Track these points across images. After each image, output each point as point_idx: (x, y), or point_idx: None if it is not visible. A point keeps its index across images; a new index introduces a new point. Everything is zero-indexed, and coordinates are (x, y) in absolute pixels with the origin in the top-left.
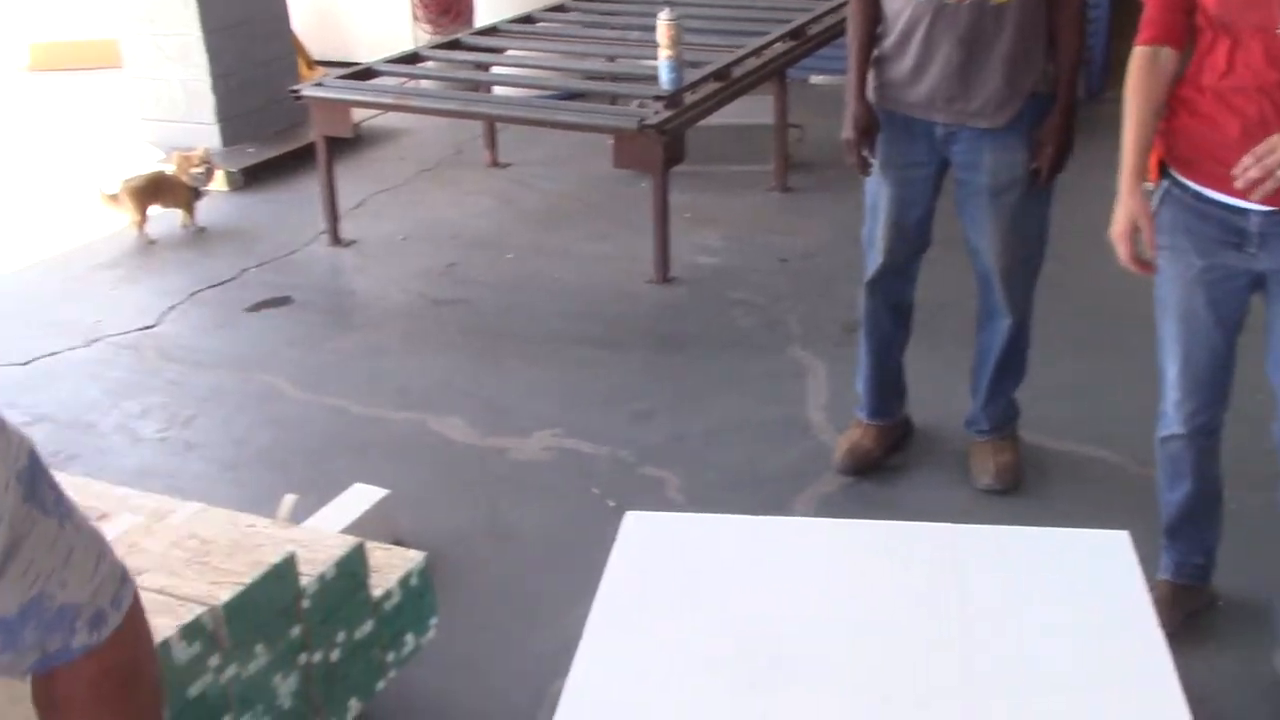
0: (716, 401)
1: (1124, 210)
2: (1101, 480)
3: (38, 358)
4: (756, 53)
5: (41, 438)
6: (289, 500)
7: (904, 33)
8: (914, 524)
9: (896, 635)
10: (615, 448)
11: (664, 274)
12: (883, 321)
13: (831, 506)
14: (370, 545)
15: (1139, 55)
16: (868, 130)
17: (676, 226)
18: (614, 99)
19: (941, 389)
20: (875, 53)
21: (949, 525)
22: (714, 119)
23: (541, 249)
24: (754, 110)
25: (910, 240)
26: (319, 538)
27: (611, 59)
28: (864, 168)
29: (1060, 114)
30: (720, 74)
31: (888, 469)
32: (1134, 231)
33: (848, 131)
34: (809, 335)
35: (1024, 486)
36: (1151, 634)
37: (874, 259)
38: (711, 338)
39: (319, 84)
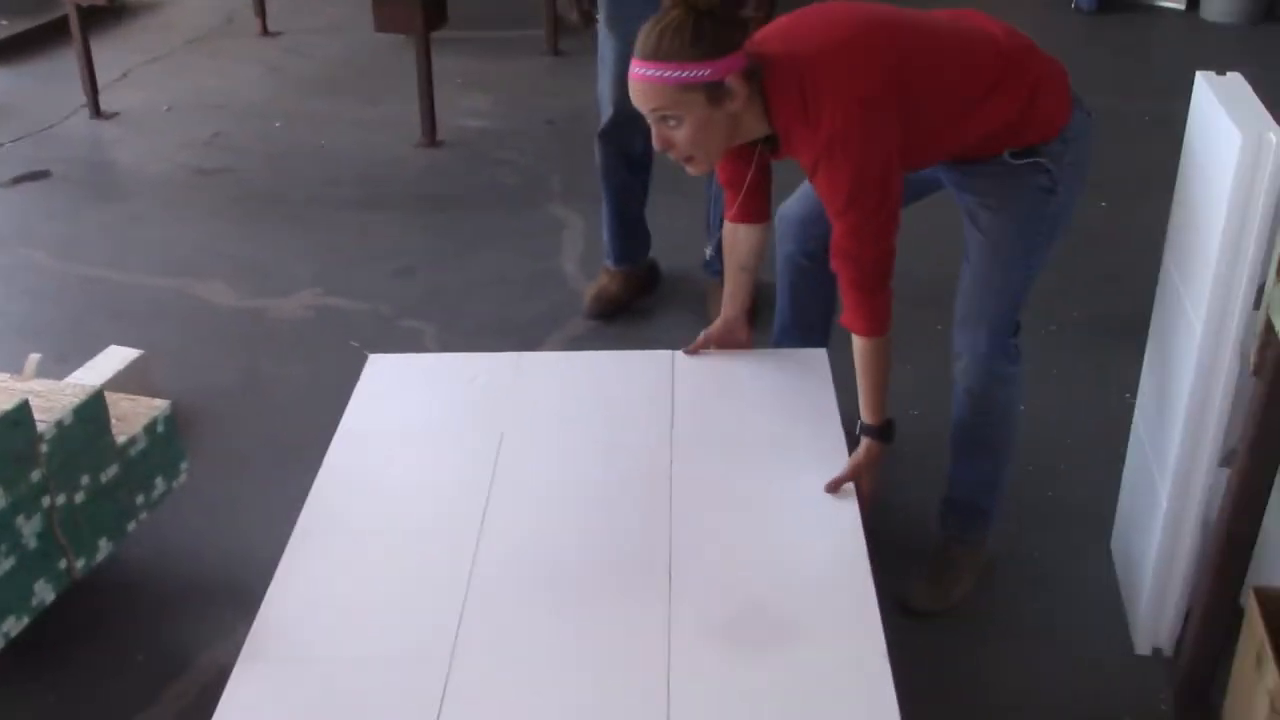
0: (476, 257)
1: None
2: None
3: None
4: None
5: None
6: (33, 359)
7: None
8: (633, 352)
9: (609, 450)
10: (375, 303)
11: (431, 137)
12: (618, 170)
13: (577, 347)
14: (116, 396)
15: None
16: None
17: (448, 91)
18: None
19: (692, 235)
20: None
21: (665, 351)
22: None
23: (311, 116)
24: None
25: None
26: (58, 388)
27: None
28: (587, 21)
29: None
30: None
31: (635, 311)
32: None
33: None
34: (569, 192)
35: (758, 319)
36: (832, 439)
37: (605, 110)
38: (474, 198)
39: None
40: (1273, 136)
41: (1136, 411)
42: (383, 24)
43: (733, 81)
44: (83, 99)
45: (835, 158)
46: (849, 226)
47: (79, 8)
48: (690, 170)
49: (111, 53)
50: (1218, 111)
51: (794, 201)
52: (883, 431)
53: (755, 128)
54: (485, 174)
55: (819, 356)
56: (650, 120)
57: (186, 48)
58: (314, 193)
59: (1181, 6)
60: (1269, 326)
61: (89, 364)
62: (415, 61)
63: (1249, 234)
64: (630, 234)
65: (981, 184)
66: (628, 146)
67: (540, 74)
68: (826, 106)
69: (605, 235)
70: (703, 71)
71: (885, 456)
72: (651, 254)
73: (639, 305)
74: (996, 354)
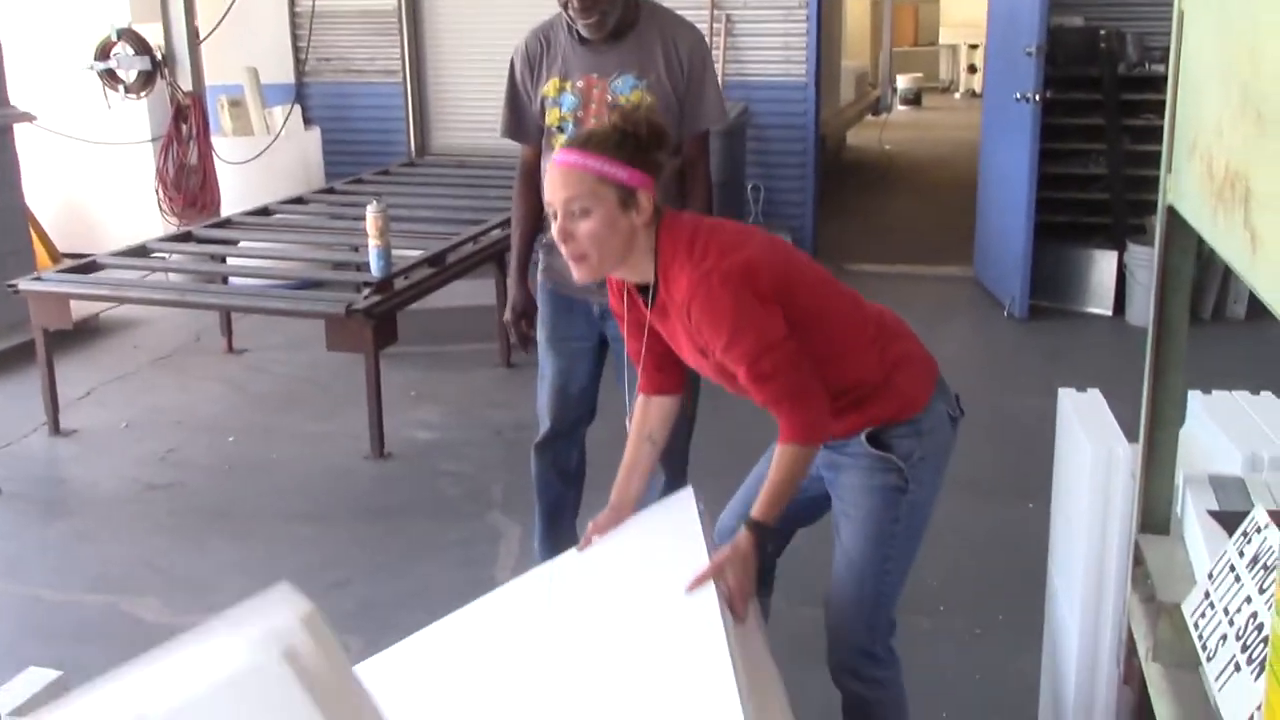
0: (412, 568)
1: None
2: None
3: None
4: (473, 239)
5: None
6: None
7: None
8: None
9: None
10: None
11: (380, 450)
12: (552, 483)
13: None
14: None
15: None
16: (524, 313)
17: (400, 403)
18: (357, 287)
19: None
20: (544, 238)
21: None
22: (443, 301)
23: (265, 430)
24: (481, 292)
25: (573, 408)
26: None
27: (356, 248)
28: (525, 343)
29: None
30: (434, 260)
31: None
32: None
33: (507, 314)
34: (509, 502)
35: None
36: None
37: (542, 424)
38: (416, 508)
39: (36, 277)
40: (1120, 450)
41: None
42: (335, 343)
43: (643, 195)
44: (43, 418)
45: (714, 290)
46: (745, 352)
47: (45, 331)
48: (577, 273)
49: (79, 372)
50: (1075, 426)
51: (726, 516)
52: (762, 530)
53: (643, 264)
54: (429, 485)
55: (686, 495)
56: (560, 212)
57: (152, 366)
58: (258, 506)
59: (1109, 312)
60: (1132, 635)
61: (5, 685)
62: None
63: (1110, 543)
64: (560, 544)
65: (844, 482)
66: (563, 460)
67: (491, 387)
68: (713, 253)
69: (536, 544)
70: (621, 173)
71: (754, 554)
72: None
73: None
74: (861, 660)
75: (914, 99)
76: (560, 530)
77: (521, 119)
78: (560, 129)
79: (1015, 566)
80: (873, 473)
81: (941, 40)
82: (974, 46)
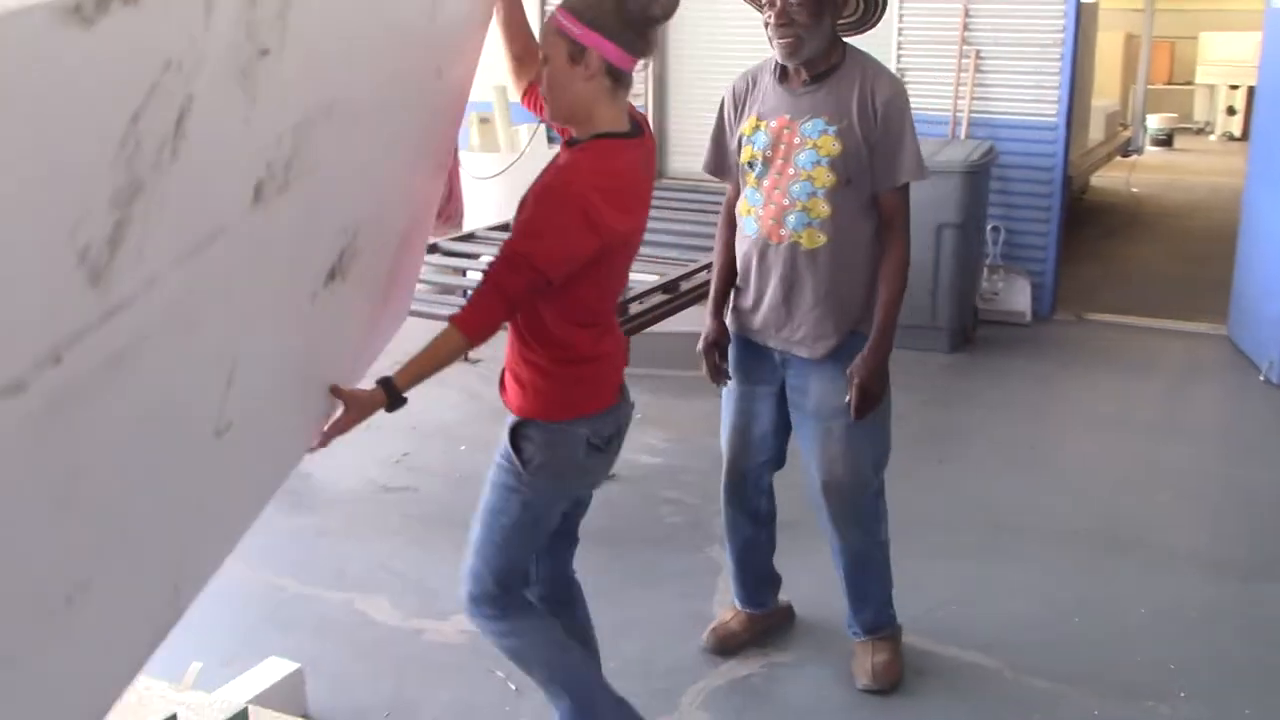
0: (631, 595)
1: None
2: (976, 686)
3: None
4: (707, 267)
5: None
6: (194, 669)
7: (743, 266)
8: None
9: None
10: None
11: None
12: (740, 525)
13: (717, 698)
14: (261, 712)
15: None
16: (716, 343)
17: (632, 426)
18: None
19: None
20: (739, 280)
21: None
22: (673, 325)
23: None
24: None
25: (754, 452)
26: (207, 702)
27: None
28: (716, 376)
29: (870, 350)
30: (668, 286)
31: (780, 665)
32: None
33: (700, 344)
34: None
35: (903, 687)
36: None
37: (725, 466)
38: (638, 534)
39: None
40: None
41: None
42: None
43: (593, 56)
44: None
45: (556, 189)
46: (521, 232)
47: None
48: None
49: None
50: None
51: None
52: (391, 389)
53: (588, 121)
54: (651, 511)
55: None
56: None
57: (390, 370)
58: None
59: None
60: None
61: (247, 674)
62: None
63: None
64: (755, 582)
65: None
66: (751, 504)
67: (716, 414)
68: (585, 170)
69: (732, 585)
70: (576, 30)
71: (371, 407)
72: (791, 599)
73: (775, 651)
74: (473, 610)
75: (1165, 140)
76: (753, 572)
77: (723, 156)
78: (750, 166)
79: (1260, 653)
80: (503, 469)
81: (1198, 79)
82: (1234, 87)
